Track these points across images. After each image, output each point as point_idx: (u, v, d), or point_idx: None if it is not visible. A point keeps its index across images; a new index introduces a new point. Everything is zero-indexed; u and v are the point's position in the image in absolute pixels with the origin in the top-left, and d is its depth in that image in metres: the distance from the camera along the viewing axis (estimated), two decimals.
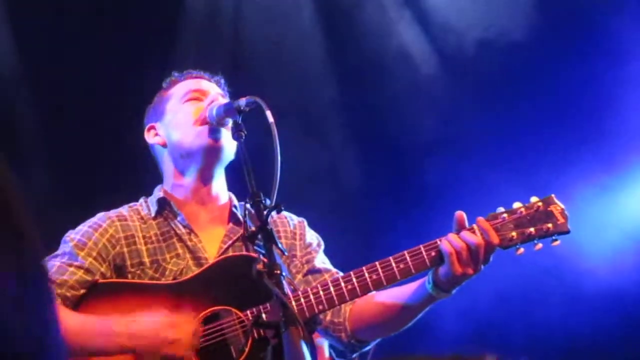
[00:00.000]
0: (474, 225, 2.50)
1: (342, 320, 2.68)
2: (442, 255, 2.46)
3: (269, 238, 2.26)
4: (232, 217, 2.73)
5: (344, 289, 2.51)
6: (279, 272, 2.22)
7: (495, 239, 2.46)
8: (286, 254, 2.57)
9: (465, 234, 2.46)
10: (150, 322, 2.44)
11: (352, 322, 2.68)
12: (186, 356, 2.44)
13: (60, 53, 4.62)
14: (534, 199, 2.56)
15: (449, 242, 2.44)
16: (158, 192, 2.75)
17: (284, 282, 2.25)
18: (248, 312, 2.47)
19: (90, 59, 4.60)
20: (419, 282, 2.57)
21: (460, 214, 2.50)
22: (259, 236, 2.29)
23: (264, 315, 2.41)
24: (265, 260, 2.25)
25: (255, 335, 2.46)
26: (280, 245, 2.30)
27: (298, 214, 2.87)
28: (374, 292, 2.66)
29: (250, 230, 2.37)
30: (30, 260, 0.87)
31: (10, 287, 0.83)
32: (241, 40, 5.23)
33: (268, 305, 2.41)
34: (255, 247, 2.40)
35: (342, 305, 2.65)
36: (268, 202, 2.29)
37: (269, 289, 2.25)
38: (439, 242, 2.48)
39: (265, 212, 2.27)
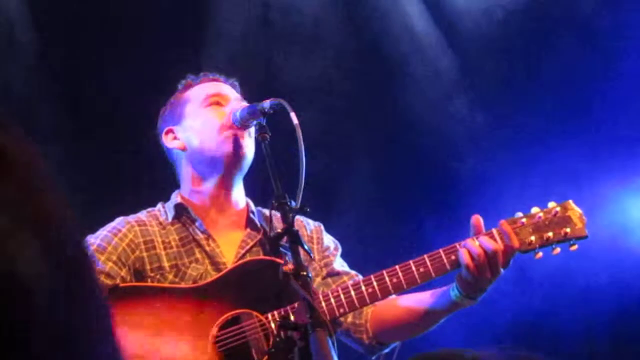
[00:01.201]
0: (493, 230, 2.54)
1: (364, 322, 2.71)
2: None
3: (295, 240, 2.28)
4: (250, 223, 2.74)
5: (365, 292, 2.53)
6: (305, 273, 2.24)
7: (515, 242, 2.50)
8: (312, 255, 2.58)
9: (483, 239, 2.49)
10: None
11: (374, 324, 2.71)
12: None
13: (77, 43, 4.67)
14: (551, 204, 2.61)
15: (466, 250, 2.47)
16: (175, 198, 2.75)
17: (310, 283, 2.28)
18: (269, 314, 2.50)
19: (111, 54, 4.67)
20: (445, 288, 2.60)
21: (477, 218, 2.55)
22: (284, 238, 2.32)
23: (292, 316, 2.41)
24: (291, 262, 2.26)
25: (277, 337, 2.44)
26: (306, 247, 2.32)
27: (319, 217, 2.89)
28: (396, 296, 2.68)
29: (276, 232, 2.41)
30: (60, 242, 0.81)
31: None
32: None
33: (295, 305, 2.42)
34: (281, 249, 2.45)
35: (364, 308, 2.66)
36: (293, 204, 2.32)
37: (294, 291, 2.28)
38: (458, 247, 2.51)
39: (290, 215, 2.30)
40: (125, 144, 3.72)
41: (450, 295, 2.55)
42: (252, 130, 2.62)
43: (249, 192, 2.82)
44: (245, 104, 2.69)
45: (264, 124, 2.50)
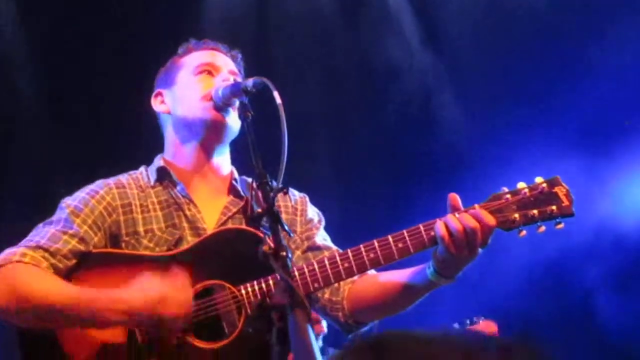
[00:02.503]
0: (476, 206, 2.48)
1: (340, 300, 2.70)
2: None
3: (276, 220, 2.28)
4: (233, 190, 2.75)
5: (341, 267, 2.50)
6: (285, 254, 2.24)
7: (491, 221, 2.43)
8: (292, 235, 2.61)
9: (463, 215, 2.43)
10: (145, 299, 2.42)
11: (350, 301, 2.70)
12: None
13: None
14: (538, 180, 2.53)
15: (443, 224, 2.42)
16: (158, 161, 2.77)
17: (289, 264, 2.28)
18: (242, 287, 2.49)
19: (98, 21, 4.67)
20: (421, 266, 2.57)
21: (453, 196, 2.49)
22: (265, 218, 2.31)
23: (268, 291, 2.44)
24: (271, 242, 2.26)
25: (249, 311, 2.48)
26: (286, 228, 2.32)
27: (302, 189, 2.89)
28: (375, 273, 2.69)
29: (257, 211, 2.41)
30: None
31: None
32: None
33: (272, 286, 2.44)
34: (261, 228, 2.43)
35: (341, 284, 2.67)
36: (274, 183, 2.32)
37: (270, 266, 2.27)
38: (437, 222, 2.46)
39: (272, 194, 2.30)
40: (110, 106, 3.69)
41: (426, 274, 2.52)
42: (237, 105, 2.60)
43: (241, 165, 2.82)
44: (238, 78, 2.70)
45: (247, 102, 2.50)
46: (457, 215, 2.44)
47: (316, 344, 2.19)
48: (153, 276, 2.48)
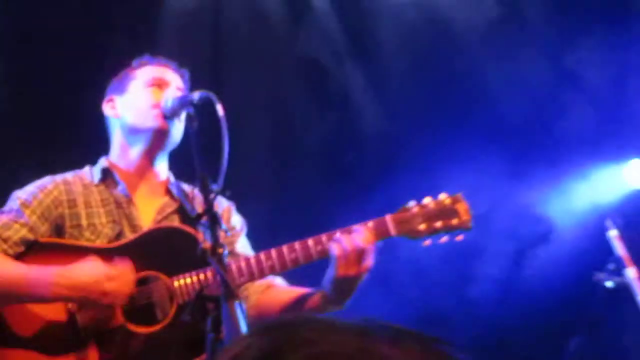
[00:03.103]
0: (387, 216, 2.70)
1: (248, 308, 2.83)
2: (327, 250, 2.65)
3: (215, 220, 2.47)
4: (168, 192, 2.92)
5: (245, 271, 2.70)
6: (221, 250, 2.44)
7: (369, 240, 2.62)
8: (229, 234, 2.79)
9: (354, 236, 2.63)
10: (91, 274, 2.59)
11: (255, 310, 2.86)
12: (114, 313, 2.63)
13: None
14: (442, 196, 2.74)
15: (337, 243, 2.62)
16: (103, 162, 2.93)
17: (225, 260, 2.48)
18: (175, 279, 2.67)
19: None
20: (319, 290, 2.75)
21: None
22: (204, 217, 2.48)
23: (200, 283, 2.62)
24: (209, 239, 2.47)
25: (180, 301, 2.66)
26: (223, 227, 2.52)
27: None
28: (283, 288, 2.90)
29: (197, 211, 2.62)
30: None
31: None
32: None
33: (203, 278, 2.62)
34: (201, 227, 2.62)
35: (251, 294, 2.86)
36: (215, 186, 2.49)
37: (202, 259, 2.46)
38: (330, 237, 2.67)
39: (212, 196, 2.48)
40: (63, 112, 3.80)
41: (320, 297, 2.73)
42: (183, 116, 2.80)
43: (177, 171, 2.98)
44: (182, 92, 2.88)
45: (192, 113, 2.66)
46: (343, 234, 2.65)
47: (245, 329, 2.36)
48: (98, 260, 2.64)
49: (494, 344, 5.19)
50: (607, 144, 5.32)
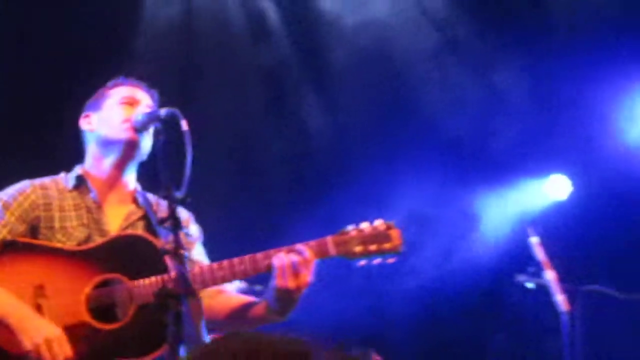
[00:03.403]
0: (328, 238, 2.72)
1: None
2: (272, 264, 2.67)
3: (177, 224, 2.44)
4: (135, 201, 2.93)
5: (198, 279, 2.70)
6: (182, 252, 2.42)
7: (311, 256, 2.66)
8: (190, 238, 2.83)
9: (292, 255, 2.66)
10: (41, 333, 2.60)
11: (205, 314, 2.76)
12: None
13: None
14: (378, 222, 2.75)
15: (279, 258, 2.65)
16: (77, 170, 2.93)
17: (186, 261, 2.46)
18: (135, 282, 2.67)
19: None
20: (263, 302, 2.78)
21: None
22: (168, 222, 2.43)
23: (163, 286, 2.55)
24: (172, 242, 2.42)
25: (140, 302, 2.65)
26: (185, 231, 2.56)
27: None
28: (232, 295, 2.92)
29: (162, 216, 2.54)
30: None
31: None
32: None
33: (161, 282, 2.62)
34: (165, 231, 2.59)
35: (205, 298, 2.83)
36: (178, 194, 2.46)
37: (162, 264, 2.55)
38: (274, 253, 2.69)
39: (174, 204, 2.45)
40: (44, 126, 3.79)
41: (264, 308, 2.76)
42: (152, 130, 2.78)
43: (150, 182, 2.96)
44: (151, 109, 2.89)
45: (160, 127, 2.63)
46: (289, 251, 2.68)
47: (203, 325, 2.44)
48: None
49: (423, 333, 5.27)
50: (531, 160, 5.45)
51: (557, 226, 4.79)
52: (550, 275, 3.90)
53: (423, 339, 5.30)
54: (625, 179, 5.43)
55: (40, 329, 2.62)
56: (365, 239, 2.73)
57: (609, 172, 5.40)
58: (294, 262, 2.65)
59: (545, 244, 3.96)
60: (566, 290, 3.91)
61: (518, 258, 4.05)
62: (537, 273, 3.90)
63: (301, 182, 5.65)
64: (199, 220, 3.06)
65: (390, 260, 2.75)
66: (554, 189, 5.41)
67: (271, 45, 5.74)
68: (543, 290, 3.88)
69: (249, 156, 5.57)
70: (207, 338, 2.48)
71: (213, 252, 3.02)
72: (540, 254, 3.95)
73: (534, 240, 3.93)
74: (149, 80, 3.07)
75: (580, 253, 5.10)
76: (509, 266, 4.15)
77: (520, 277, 3.99)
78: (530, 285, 3.92)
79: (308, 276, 2.67)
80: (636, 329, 5.16)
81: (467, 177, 5.47)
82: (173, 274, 2.58)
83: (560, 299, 3.86)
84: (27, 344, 2.61)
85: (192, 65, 5.57)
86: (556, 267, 3.91)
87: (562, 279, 3.94)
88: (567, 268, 4.05)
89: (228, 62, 5.61)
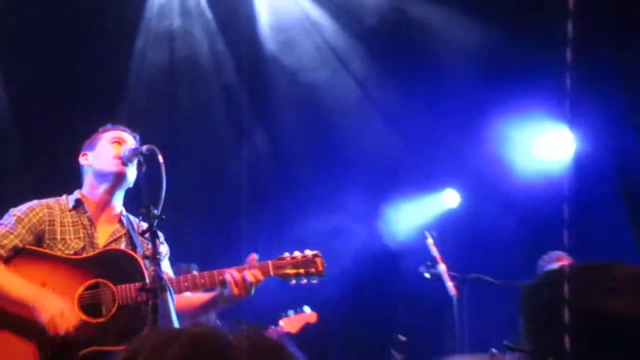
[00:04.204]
0: (268, 262, 2.77)
1: None
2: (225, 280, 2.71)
3: (154, 235, 2.55)
4: (120, 222, 2.93)
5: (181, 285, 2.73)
6: (158, 256, 2.53)
7: (259, 276, 2.72)
8: (164, 245, 2.84)
9: (245, 272, 2.71)
10: (54, 305, 2.64)
11: None
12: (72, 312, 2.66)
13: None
14: (307, 251, 2.81)
15: (230, 275, 2.71)
16: (77, 194, 2.93)
17: (161, 263, 2.56)
18: (118, 286, 2.70)
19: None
20: (213, 295, 2.82)
21: (253, 256, 2.78)
22: (147, 233, 2.56)
23: (148, 282, 2.63)
24: (151, 249, 2.54)
25: (121, 303, 2.68)
26: (161, 240, 2.63)
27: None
28: (193, 295, 2.90)
29: (142, 229, 2.67)
30: None
31: None
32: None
33: (137, 285, 2.65)
34: (145, 240, 2.72)
35: None
36: (155, 211, 2.55)
37: (140, 272, 2.61)
38: (227, 272, 2.73)
39: (153, 219, 2.55)
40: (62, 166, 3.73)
41: (214, 298, 2.81)
42: (135, 162, 2.83)
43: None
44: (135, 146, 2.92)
45: (142, 160, 2.72)
46: (243, 270, 2.73)
47: (175, 314, 2.46)
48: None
49: (348, 309, 5.33)
50: (430, 178, 5.57)
51: (449, 228, 4.88)
52: (442, 267, 3.97)
53: (349, 313, 5.36)
54: (501, 192, 5.57)
55: (54, 302, 2.64)
56: (297, 264, 2.78)
57: (488, 186, 5.53)
58: (244, 277, 2.71)
59: (439, 243, 4.03)
60: (455, 279, 4.00)
61: (419, 254, 4.13)
62: (433, 265, 3.97)
63: (252, 194, 5.65)
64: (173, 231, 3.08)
65: (315, 281, 2.81)
66: (447, 200, 5.53)
67: (230, 85, 5.75)
68: (437, 279, 3.96)
69: (212, 182, 5.53)
70: (179, 325, 2.52)
71: (185, 259, 3.06)
72: (434, 251, 4.03)
73: (430, 241, 4.02)
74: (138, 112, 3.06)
75: (466, 249, 5.21)
76: (412, 260, 4.21)
77: (421, 269, 4.06)
78: (427, 275, 3.99)
79: (251, 289, 2.73)
80: (508, 308, 5.29)
81: (382, 193, 5.54)
82: (151, 272, 2.65)
83: (450, 286, 3.94)
84: (45, 316, 2.62)
85: (172, 98, 5.55)
86: (447, 260, 3.99)
87: (452, 270, 4.01)
88: (455, 261, 4.15)
89: (199, 94, 5.60)
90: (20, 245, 2.76)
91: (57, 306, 2.63)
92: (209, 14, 5.63)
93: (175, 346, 0.82)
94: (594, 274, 1.13)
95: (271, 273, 2.77)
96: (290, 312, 3.93)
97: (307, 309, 4.10)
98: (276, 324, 4.07)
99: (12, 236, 2.75)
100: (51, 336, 2.63)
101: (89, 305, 2.69)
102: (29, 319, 2.65)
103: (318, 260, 2.81)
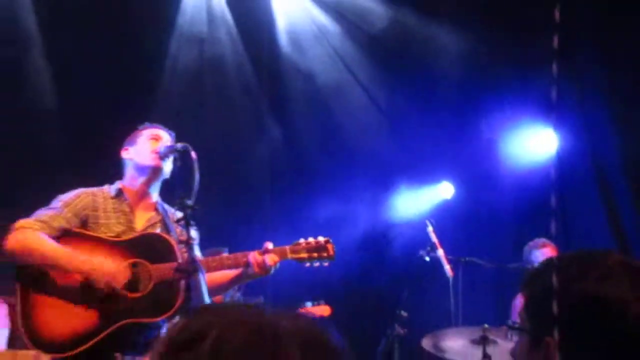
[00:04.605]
0: (286, 247, 2.77)
1: None
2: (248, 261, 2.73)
3: (189, 223, 2.57)
4: (156, 209, 2.94)
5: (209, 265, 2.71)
6: (192, 241, 2.57)
7: (275, 259, 2.72)
8: (197, 234, 2.82)
9: (265, 256, 2.72)
10: (109, 268, 2.68)
11: None
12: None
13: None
14: (320, 238, 2.83)
15: (252, 257, 2.72)
16: (118, 184, 2.94)
17: (195, 248, 2.62)
18: (155, 265, 2.70)
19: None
20: (237, 273, 2.82)
21: (267, 244, 2.76)
22: (182, 221, 2.58)
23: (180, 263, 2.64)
24: (185, 234, 2.58)
25: (156, 281, 2.68)
26: (193, 229, 2.62)
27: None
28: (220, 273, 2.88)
29: (177, 217, 2.68)
30: None
31: None
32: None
33: (180, 264, 2.63)
34: (180, 226, 2.69)
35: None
36: (189, 202, 2.56)
37: (174, 254, 2.62)
38: (249, 254, 2.74)
39: (187, 209, 2.56)
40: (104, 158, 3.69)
41: (239, 274, 2.80)
42: (171, 157, 2.84)
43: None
44: (170, 143, 2.94)
45: (177, 156, 2.73)
46: (262, 253, 2.74)
47: (206, 291, 2.48)
48: (102, 253, 2.72)
49: (357, 289, 5.32)
50: (428, 173, 5.56)
51: (445, 217, 4.88)
52: (440, 252, 3.96)
53: (357, 292, 5.37)
54: (491, 185, 5.59)
55: (108, 265, 2.66)
56: (310, 249, 2.80)
57: (480, 180, 5.53)
58: (264, 259, 2.72)
59: (437, 230, 4.03)
60: (451, 261, 3.99)
61: (420, 239, 4.12)
62: (432, 250, 3.97)
63: (272, 184, 5.62)
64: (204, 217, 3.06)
65: (325, 264, 2.83)
66: (443, 191, 5.52)
67: (250, 85, 5.74)
68: (436, 262, 3.95)
69: (237, 177, 5.49)
70: (209, 301, 2.51)
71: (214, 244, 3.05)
72: (433, 237, 4.02)
73: (430, 228, 4.01)
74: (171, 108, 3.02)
75: (460, 235, 5.22)
76: (414, 245, 4.21)
77: (421, 252, 4.05)
78: (427, 258, 3.98)
79: (271, 269, 2.74)
80: (497, 287, 5.32)
81: (385, 185, 5.54)
82: (185, 256, 2.65)
83: (447, 268, 3.93)
84: (101, 278, 2.64)
85: (200, 95, 5.53)
86: (444, 245, 3.99)
87: (448, 254, 4.01)
88: (452, 246, 4.13)
89: (223, 93, 5.59)
90: (67, 226, 2.77)
91: (111, 267, 2.66)
92: (231, 21, 5.65)
93: (244, 327, 0.78)
94: (590, 262, 1.14)
95: (288, 256, 2.79)
96: (308, 304, 3.92)
97: (323, 303, 4.07)
98: None
99: (59, 218, 2.76)
100: (99, 302, 2.65)
101: (129, 282, 2.70)
102: (79, 286, 2.67)
103: (329, 245, 2.82)
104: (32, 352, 2.79)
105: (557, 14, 0.98)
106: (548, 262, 1.22)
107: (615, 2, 5.01)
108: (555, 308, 0.99)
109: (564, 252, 1.38)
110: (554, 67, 0.98)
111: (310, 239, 2.82)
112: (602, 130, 5.26)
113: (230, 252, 3.01)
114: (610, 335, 1.07)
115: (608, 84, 5.19)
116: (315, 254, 2.79)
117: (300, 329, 0.80)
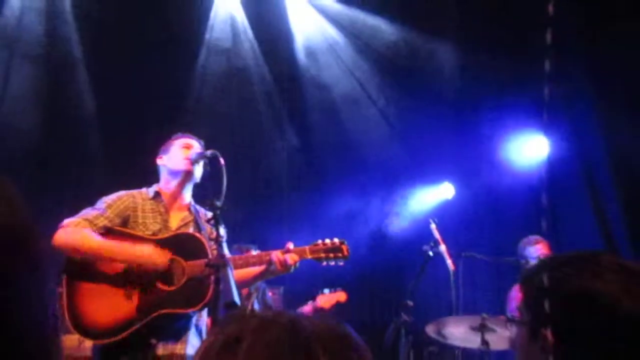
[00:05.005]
0: (306, 247, 2.73)
1: None
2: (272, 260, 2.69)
3: (218, 222, 2.51)
4: (189, 210, 2.90)
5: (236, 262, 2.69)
6: (221, 239, 2.49)
7: (295, 258, 2.68)
8: (225, 232, 2.80)
9: (287, 255, 2.69)
10: (151, 255, 2.66)
11: None
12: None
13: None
14: (336, 239, 2.79)
15: (275, 255, 2.69)
16: (155, 187, 2.91)
17: (223, 245, 2.53)
18: (188, 262, 2.67)
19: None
20: (261, 270, 2.78)
21: (289, 244, 2.72)
22: (212, 221, 2.52)
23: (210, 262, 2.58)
24: (215, 233, 2.51)
25: (189, 276, 2.65)
26: (222, 227, 2.56)
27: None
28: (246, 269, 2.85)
29: (207, 217, 2.61)
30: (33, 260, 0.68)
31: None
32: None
33: (204, 260, 2.60)
34: (210, 225, 2.64)
35: None
36: (218, 203, 2.52)
37: (205, 251, 2.57)
38: (273, 253, 2.70)
39: (217, 210, 2.51)
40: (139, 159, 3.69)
41: (265, 273, 2.77)
42: (201, 163, 2.83)
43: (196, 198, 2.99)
44: (200, 150, 2.91)
45: (206, 162, 2.72)
46: (284, 253, 2.71)
47: (235, 287, 2.40)
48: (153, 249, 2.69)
49: (367, 279, 5.28)
50: (430, 174, 5.51)
51: (446, 215, 4.83)
52: (443, 247, 3.89)
53: (367, 283, 5.34)
54: (488, 186, 5.54)
55: (157, 253, 2.64)
56: (327, 250, 2.76)
57: (478, 181, 5.50)
58: (285, 258, 2.69)
59: (439, 227, 3.97)
60: (452, 256, 3.92)
61: (424, 236, 4.07)
62: (435, 246, 3.90)
63: (290, 185, 5.60)
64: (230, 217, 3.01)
65: (341, 263, 2.79)
66: (444, 192, 5.46)
67: (270, 93, 5.72)
68: (439, 256, 3.89)
69: (263, 178, 5.48)
70: (237, 294, 2.47)
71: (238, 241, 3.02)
72: (436, 233, 3.96)
73: (433, 226, 3.95)
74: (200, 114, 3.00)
75: (461, 231, 5.19)
76: (419, 241, 4.17)
77: (425, 248, 3.99)
78: (430, 253, 3.92)
79: (292, 268, 2.70)
80: (495, 279, 5.27)
81: (392, 186, 5.51)
82: (215, 252, 2.61)
83: (449, 262, 3.86)
84: (152, 266, 2.62)
85: (226, 103, 5.51)
86: (446, 241, 3.93)
87: (450, 249, 3.95)
88: (453, 242, 4.11)
89: (246, 101, 5.56)
90: (109, 225, 2.74)
91: (158, 255, 2.63)
92: (252, 36, 5.63)
93: (277, 328, 0.75)
94: (584, 261, 1.11)
95: (307, 256, 2.75)
96: (326, 290, 3.87)
97: (340, 289, 4.00)
98: (314, 299, 4.02)
99: (102, 217, 2.74)
100: (138, 293, 2.63)
101: (165, 276, 2.68)
102: (120, 279, 2.65)
103: (344, 247, 2.79)
104: (76, 336, 2.77)
105: (550, 8, 0.93)
106: (545, 260, 1.20)
107: (603, 9, 4.90)
108: (547, 306, 0.98)
109: (559, 252, 1.35)
110: (546, 64, 0.94)
111: (327, 240, 2.79)
112: (590, 136, 5.19)
113: (260, 249, 3.00)
114: (602, 330, 1.05)
115: (596, 90, 5.11)
116: (331, 254, 2.76)
117: (330, 328, 0.77)
